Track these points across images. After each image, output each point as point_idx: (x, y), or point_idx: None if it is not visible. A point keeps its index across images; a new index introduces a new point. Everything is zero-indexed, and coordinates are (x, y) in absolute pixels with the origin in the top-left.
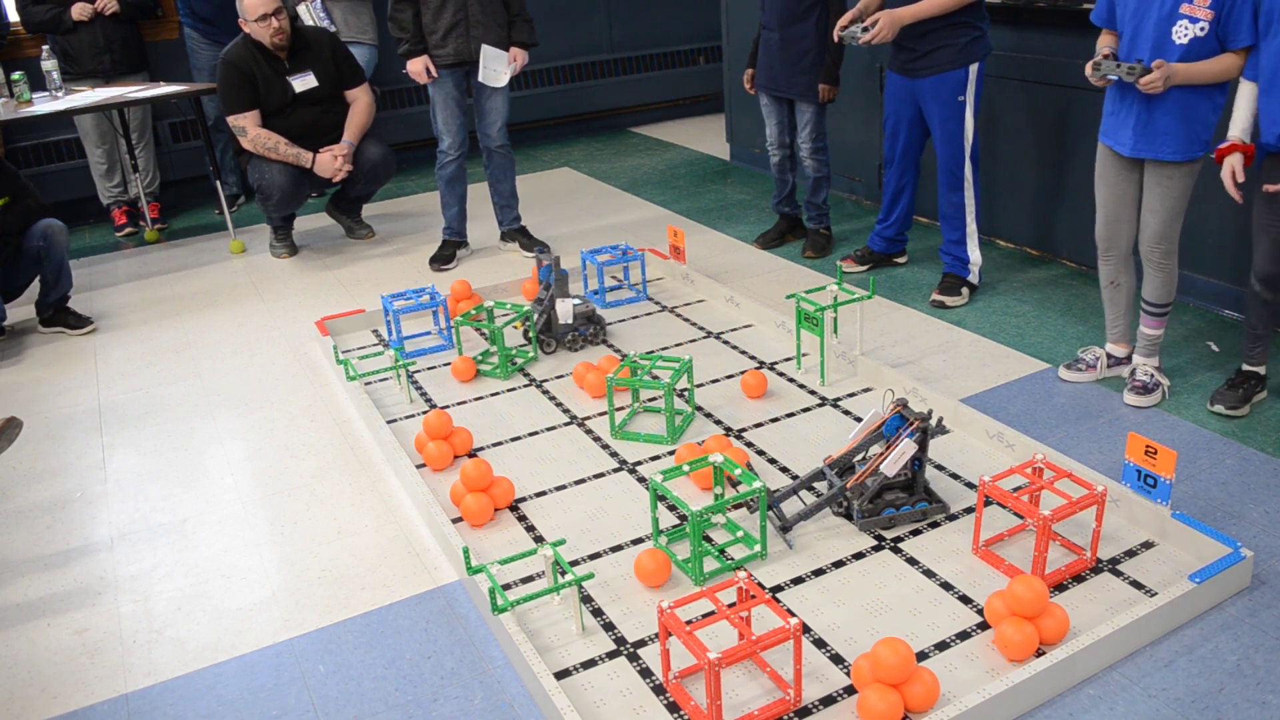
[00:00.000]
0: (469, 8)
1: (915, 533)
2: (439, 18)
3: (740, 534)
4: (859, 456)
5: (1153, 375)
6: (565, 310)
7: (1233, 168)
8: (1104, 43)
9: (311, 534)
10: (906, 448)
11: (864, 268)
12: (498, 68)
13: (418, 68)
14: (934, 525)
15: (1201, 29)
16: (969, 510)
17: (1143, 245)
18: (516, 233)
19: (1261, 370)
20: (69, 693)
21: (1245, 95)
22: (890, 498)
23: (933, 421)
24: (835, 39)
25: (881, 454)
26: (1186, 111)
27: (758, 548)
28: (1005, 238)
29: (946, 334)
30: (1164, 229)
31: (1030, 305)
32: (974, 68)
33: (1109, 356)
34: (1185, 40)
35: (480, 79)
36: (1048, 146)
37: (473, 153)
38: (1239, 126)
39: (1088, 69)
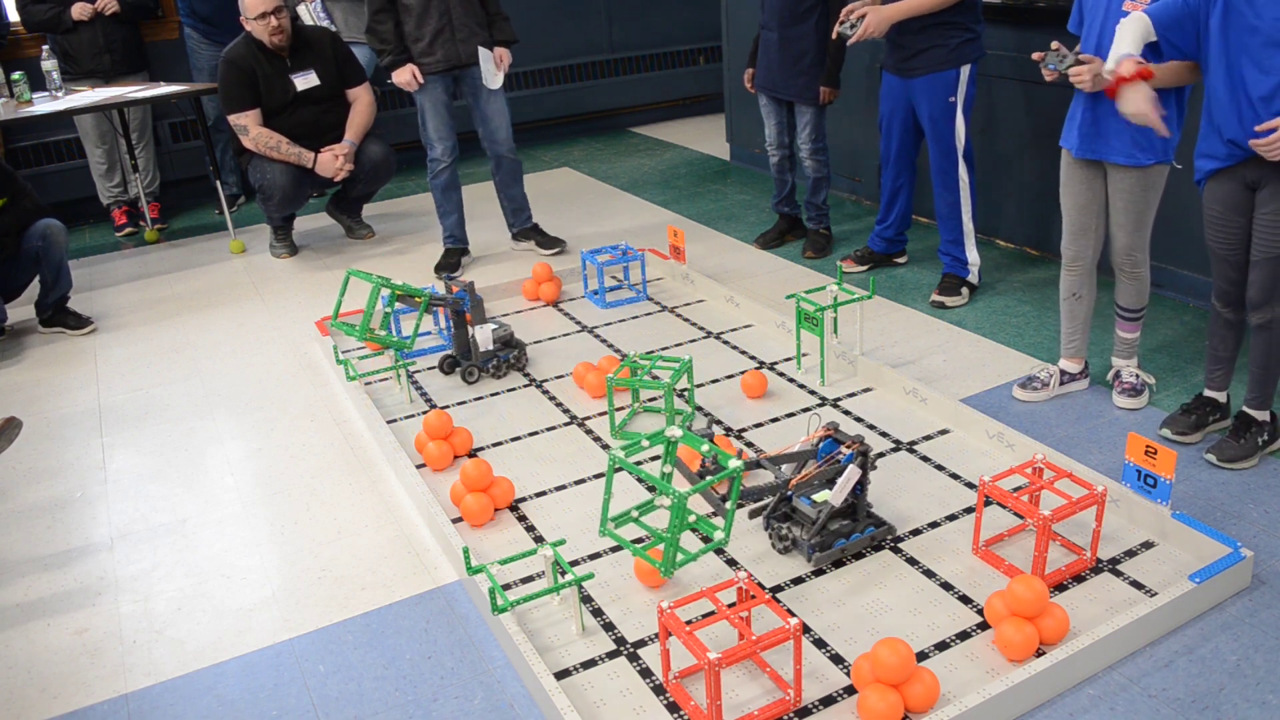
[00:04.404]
0: (451, 12)
1: (915, 533)
2: (423, 25)
3: (693, 518)
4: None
5: (1138, 376)
6: (485, 337)
7: (1144, 93)
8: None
9: (311, 534)
10: (851, 474)
11: (864, 268)
12: (488, 69)
13: (405, 76)
14: (929, 529)
15: None
16: (969, 510)
17: (1113, 257)
18: (530, 231)
19: (1222, 397)
20: (69, 693)
21: (1134, 25)
22: (836, 527)
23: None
24: (835, 35)
25: (814, 470)
26: None
27: (719, 534)
28: (1005, 238)
29: (946, 334)
30: (1130, 240)
31: (1030, 305)
32: (965, 69)
33: (1062, 373)
34: None
35: (484, 82)
36: (1047, 146)
37: (465, 155)
38: (1130, 45)
39: (1037, 59)
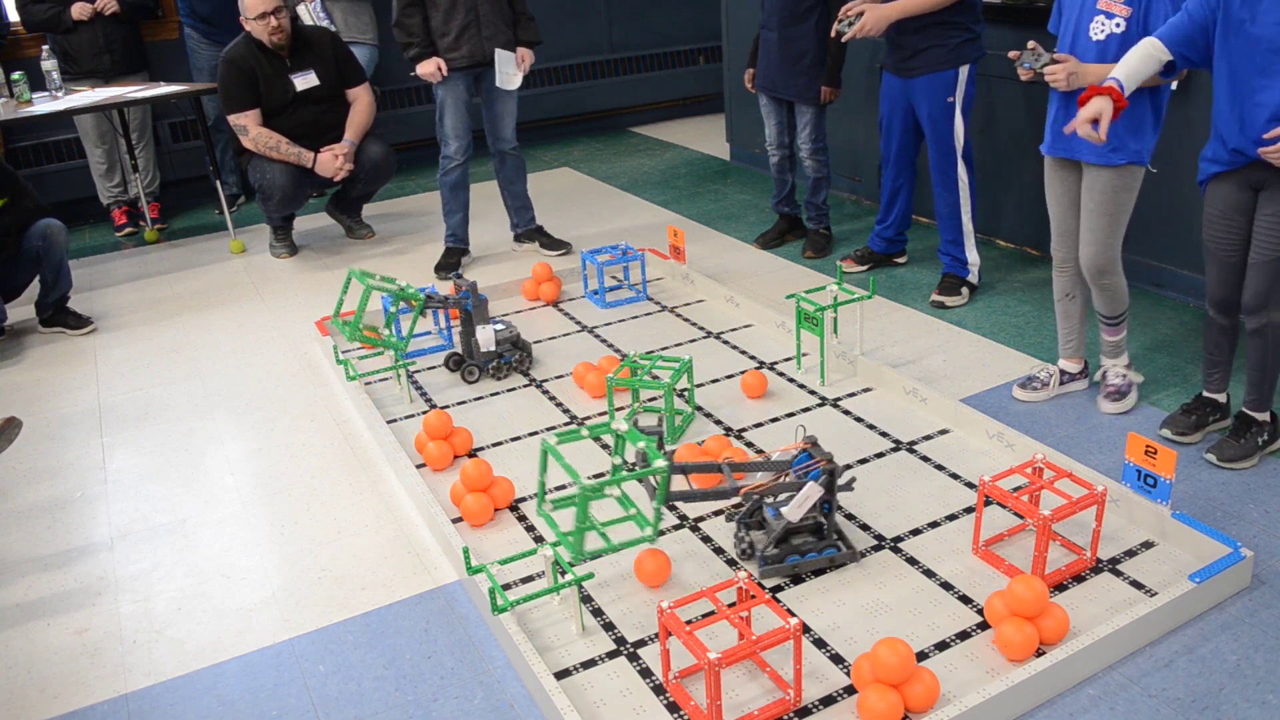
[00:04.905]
0: (479, 8)
1: (915, 532)
2: (450, 20)
3: (633, 511)
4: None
5: (1124, 376)
6: (487, 338)
7: (1098, 110)
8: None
9: (311, 534)
10: (810, 491)
11: (864, 268)
12: (509, 70)
13: (430, 68)
14: (929, 529)
15: (1118, 25)
16: (969, 510)
17: (1082, 265)
18: (535, 232)
19: (1221, 398)
20: (69, 693)
21: (1140, 51)
22: (798, 542)
23: (841, 478)
24: (833, 33)
25: (775, 478)
26: None
27: (649, 530)
28: (1005, 238)
29: (946, 334)
30: (1101, 248)
31: (1030, 305)
32: (964, 69)
33: (1062, 373)
34: (1102, 37)
35: (497, 83)
36: None
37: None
38: (1122, 71)
39: (1012, 58)
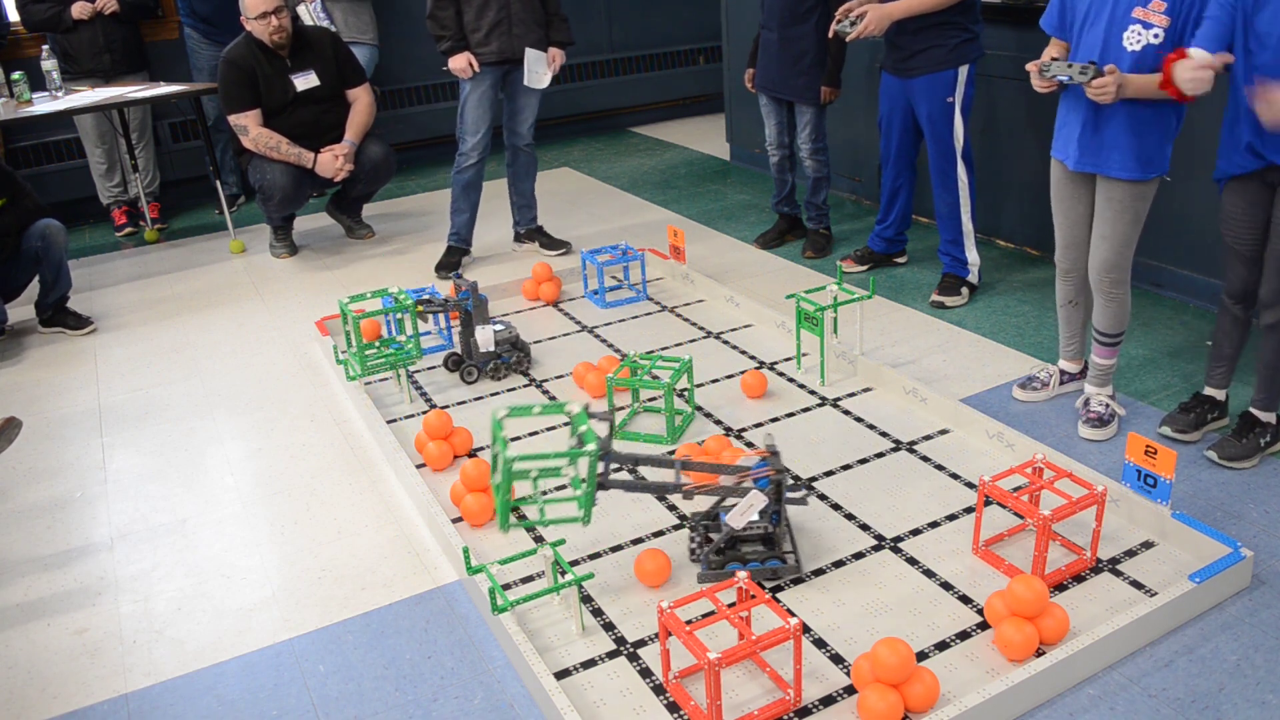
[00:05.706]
0: (511, 6)
1: (915, 532)
2: (482, 16)
3: (581, 492)
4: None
5: (1107, 405)
6: (486, 338)
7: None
8: (1052, 54)
9: (311, 534)
10: (755, 499)
11: (864, 268)
12: (539, 69)
13: (461, 63)
14: (929, 529)
15: (1156, 36)
16: (969, 510)
17: (1091, 273)
18: (535, 231)
19: (1221, 395)
20: (69, 693)
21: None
22: (746, 550)
23: (795, 493)
24: (831, 34)
25: (714, 479)
26: (1137, 126)
27: (582, 513)
28: (1005, 237)
29: (946, 334)
30: (1114, 256)
31: (1030, 305)
32: (964, 70)
33: (1062, 373)
34: (1138, 47)
35: (525, 82)
36: (1047, 146)
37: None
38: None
39: (1031, 70)
